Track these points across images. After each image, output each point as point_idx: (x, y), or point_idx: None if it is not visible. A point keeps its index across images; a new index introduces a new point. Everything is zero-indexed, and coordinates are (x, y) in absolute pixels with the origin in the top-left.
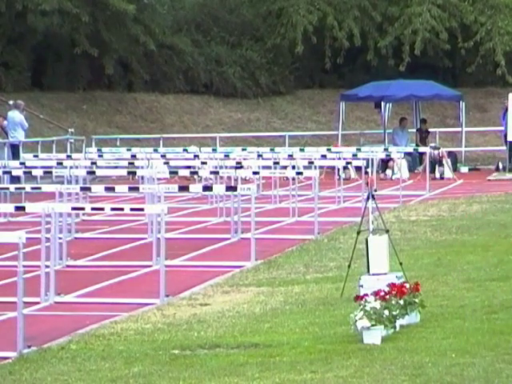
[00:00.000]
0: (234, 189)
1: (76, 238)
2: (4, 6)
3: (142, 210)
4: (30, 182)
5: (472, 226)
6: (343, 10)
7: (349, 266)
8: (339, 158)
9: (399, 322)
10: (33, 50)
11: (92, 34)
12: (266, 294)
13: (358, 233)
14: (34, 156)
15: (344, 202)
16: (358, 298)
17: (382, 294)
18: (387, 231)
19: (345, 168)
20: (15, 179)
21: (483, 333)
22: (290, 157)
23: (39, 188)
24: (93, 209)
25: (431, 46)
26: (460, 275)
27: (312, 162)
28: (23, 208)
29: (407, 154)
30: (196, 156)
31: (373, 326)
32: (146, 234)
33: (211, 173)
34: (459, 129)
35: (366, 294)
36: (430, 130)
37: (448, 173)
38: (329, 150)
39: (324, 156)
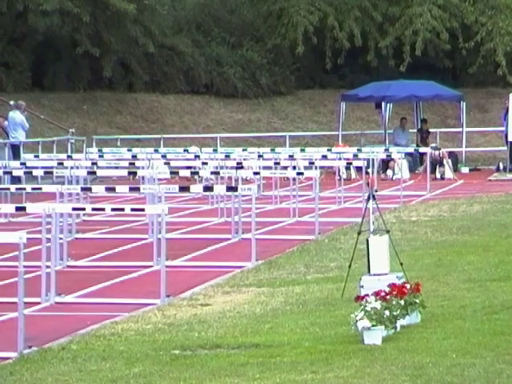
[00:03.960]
0: (235, 189)
1: (77, 239)
2: (5, 6)
3: (142, 210)
4: (30, 182)
5: (473, 227)
6: (344, 10)
7: (349, 267)
8: (340, 159)
9: (400, 323)
10: (33, 50)
11: (92, 34)
12: (266, 295)
13: (359, 233)
14: (35, 156)
15: (344, 203)
16: (359, 298)
17: (383, 294)
18: (388, 231)
19: (346, 168)
20: (16, 179)
21: (484, 333)
22: (291, 157)
23: (40, 188)
24: (93, 209)
25: (432, 46)
26: (461, 275)
27: (313, 163)
28: (24, 208)
29: (408, 154)
30: (197, 156)
31: (373, 326)
32: (147, 234)
33: (212, 173)
34: (460, 129)
35: (367, 295)
36: (431, 130)
37: (449, 173)
38: (329, 150)
39: (325, 156)
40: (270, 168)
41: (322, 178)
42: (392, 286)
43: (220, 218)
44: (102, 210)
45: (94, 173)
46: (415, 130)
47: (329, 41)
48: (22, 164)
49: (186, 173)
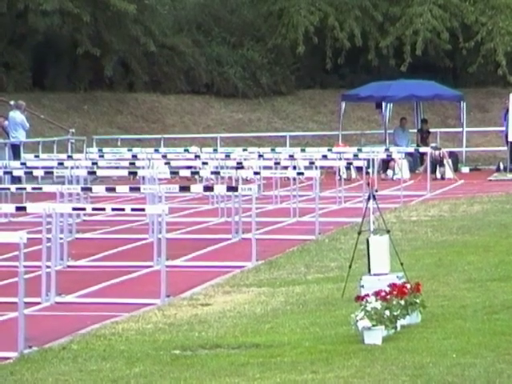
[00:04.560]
0: (235, 189)
1: (77, 239)
2: (5, 6)
3: (142, 210)
4: (30, 182)
5: (473, 227)
6: (344, 10)
7: (350, 267)
8: (340, 159)
9: (400, 323)
10: (34, 51)
11: (93, 34)
12: (266, 295)
13: (359, 233)
14: (35, 156)
15: (345, 203)
16: (359, 298)
17: (383, 294)
18: (388, 231)
19: (346, 168)
20: (16, 179)
21: (484, 333)
22: (291, 157)
23: (40, 188)
24: (94, 209)
25: (432, 46)
26: (461, 275)
27: (313, 163)
28: (24, 208)
29: (408, 154)
30: (197, 156)
31: (374, 326)
32: (147, 234)
33: (212, 173)
34: (460, 129)
35: (367, 295)
36: (431, 130)
37: (449, 173)
38: (330, 150)
39: (325, 156)
40: (270, 168)
41: (322, 177)
42: (392, 285)
43: (220, 217)
44: (103, 209)
45: (95, 173)
46: (415, 130)
47: (329, 41)
48: (22, 164)
49: (186, 173)
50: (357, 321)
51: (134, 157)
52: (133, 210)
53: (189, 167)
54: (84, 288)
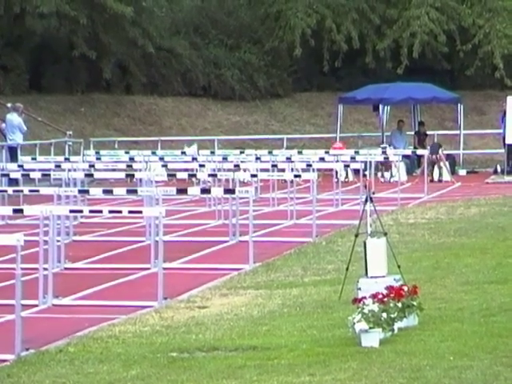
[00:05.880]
0: (233, 191)
1: (74, 241)
2: (2, 8)
3: (140, 212)
4: (28, 184)
5: (470, 229)
6: (341, 12)
7: (347, 269)
8: (337, 161)
9: (397, 325)
10: (31, 53)
11: (90, 36)
12: (264, 297)
13: (356, 235)
14: (32, 159)
15: (342, 205)
16: (356, 300)
17: (380, 296)
18: (385, 234)
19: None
20: (13, 182)
21: (481, 335)
22: (289, 159)
23: (37, 190)
24: (91, 211)
25: (429, 48)
26: (458, 278)
27: (310, 165)
28: (21, 210)
29: (405, 156)
30: (194, 159)
31: (371, 328)
32: (144, 236)
33: (209, 175)
34: (457, 131)
35: (364, 297)
36: (428, 132)
37: (446, 175)
38: (327, 152)
39: (322, 159)
40: (267, 170)
41: (319, 180)
42: (389, 288)
43: (217, 220)
44: (100, 212)
45: (92, 175)
46: (413, 133)
47: (326, 43)
48: (19, 166)
49: (183, 175)
50: (354, 323)
51: (131, 159)
52: (130, 212)
53: (186, 170)
54: (81, 290)
